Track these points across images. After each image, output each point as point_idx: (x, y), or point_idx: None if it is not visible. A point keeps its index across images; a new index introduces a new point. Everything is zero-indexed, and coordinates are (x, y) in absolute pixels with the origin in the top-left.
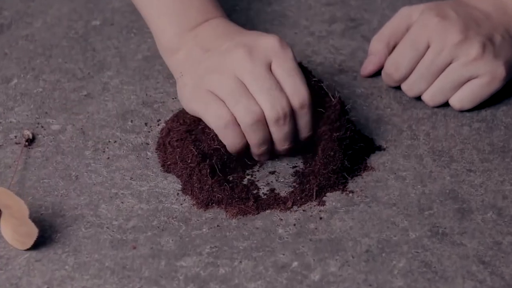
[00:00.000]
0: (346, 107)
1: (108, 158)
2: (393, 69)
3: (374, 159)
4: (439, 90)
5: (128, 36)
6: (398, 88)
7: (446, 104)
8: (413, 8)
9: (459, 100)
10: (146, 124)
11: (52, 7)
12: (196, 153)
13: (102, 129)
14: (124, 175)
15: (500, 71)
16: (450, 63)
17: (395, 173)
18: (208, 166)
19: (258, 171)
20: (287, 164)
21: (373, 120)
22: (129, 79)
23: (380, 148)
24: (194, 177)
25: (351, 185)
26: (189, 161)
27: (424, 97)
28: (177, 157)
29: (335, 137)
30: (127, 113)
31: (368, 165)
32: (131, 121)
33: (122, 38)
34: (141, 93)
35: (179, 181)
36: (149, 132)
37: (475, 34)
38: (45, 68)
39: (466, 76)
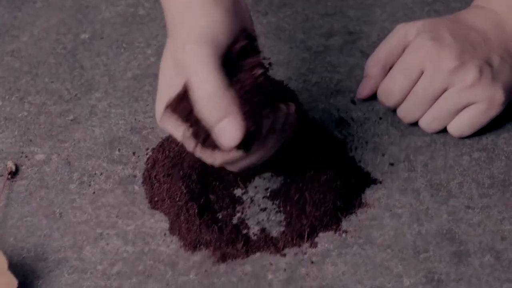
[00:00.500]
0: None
1: (94, 192)
2: (385, 97)
3: (369, 194)
4: (436, 117)
5: (118, 51)
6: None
7: (445, 130)
8: (410, 26)
9: (457, 127)
10: (134, 153)
11: (40, 18)
12: (185, 191)
13: (89, 159)
14: (110, 212)
15: (498, 96)
16: (445, 90)
17: (391, 210)
18: (197, 205)
19: (249, 207)
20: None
21: (370, 149)
22: (117, 101)
23: (375, 182)
24: (182, 217)
25: (344, 224)
26: (177, 199)
27: (421, 124)
28: (164, 193)
29: (323, 180)
30: (114, 141)
31: (363, 201)
32: (119, 150)
33: (112, 53)
34: (129, 117)
35: (167, 219)
36: (136, 162)
37: (471, 58)
38: (31, 89)
39: (463, 103)
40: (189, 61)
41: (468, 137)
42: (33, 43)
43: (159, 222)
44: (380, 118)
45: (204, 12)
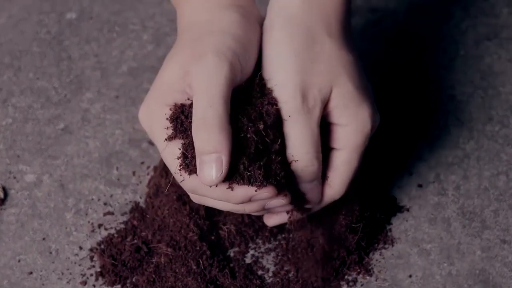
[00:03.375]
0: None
1: (92, 223)
2: None
3: (396, 225)
4: None
5: (110, 36)
6: (427, 117)
7: (480, 144)
8: None
9: None
10: (134, 173)
11: None
12: (193, 229)
13: (84, 180)
14: None
15: None
16: None
17: (419, 246)
18: (207, 246)
19: (263, 242)
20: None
21: (395, 167)
22: (112, 104)
23: (402, 209)
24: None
25: (368, 263)
26: (186, 238)
27: None
28: (169, 230)
29: (344, 224)
30: (111, 156)
31: (389, 234)
32: (117, 169)
33: (103, 39)
34: (126, 125)
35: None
36: (137, 184)
37: None
38: (14, 88)
39: None
40: (200, 76)
41: (505, 152)
42: (12, 25)
43: None
44: (408, 126)
45: (234, 26)
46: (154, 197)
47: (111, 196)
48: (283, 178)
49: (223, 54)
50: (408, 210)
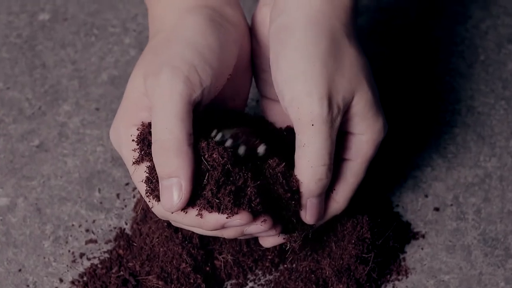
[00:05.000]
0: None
1: (73, 253)
2: None
3: (410, 253)
4: None
5: (88, 40)
6: (443, 131)
7: (503, 162)
8: None
9: None
10: (118, 195)
11: None
12: (186, 260)
13: (63, 204)
14: None
15: None
16: None
17: (436, 277)
18: (201, 278)
19: (263, 274)
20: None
21: (409, 187)
22: (91, 117)
23: (417, 236)
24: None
25: None
26: (179, 269)
27: None
28: (159, 261)
29: (353, 254)
30: (92, 177)
31: (402, 264)
32: (99, 191)
33: (80, 44)
34: (108, 141)
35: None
36: (122, 209)
37: None
38: None
39: None
40: (156, 95)
41: None
42: None
43: None
44: (421, 143)
45: (196, 33)
46: (142, 223)
47: (94, 221)
48: (259, 204)
49: (178, 69)
50: (423, 236)
